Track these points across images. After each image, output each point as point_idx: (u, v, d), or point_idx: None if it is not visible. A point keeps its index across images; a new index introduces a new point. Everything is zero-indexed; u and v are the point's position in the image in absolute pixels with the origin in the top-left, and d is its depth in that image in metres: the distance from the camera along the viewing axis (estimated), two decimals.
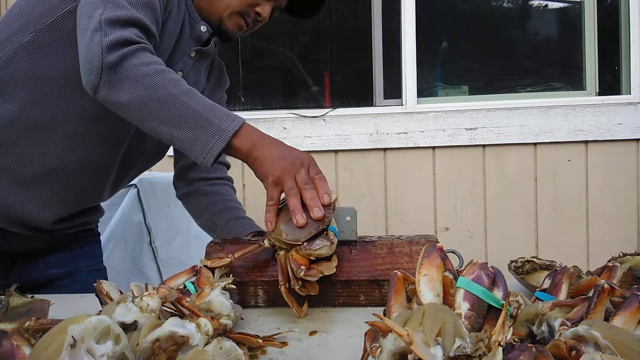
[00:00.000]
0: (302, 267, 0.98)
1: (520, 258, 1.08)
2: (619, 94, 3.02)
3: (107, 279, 1.49)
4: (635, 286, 0.89)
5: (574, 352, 0.65)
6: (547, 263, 1.05)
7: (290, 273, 0.99)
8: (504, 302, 0.73)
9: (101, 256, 1.52)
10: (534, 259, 1.07)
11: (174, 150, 1.46)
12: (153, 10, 1.17)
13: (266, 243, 1.05)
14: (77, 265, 1.39)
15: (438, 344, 0.64)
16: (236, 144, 1.07)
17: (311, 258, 1.00)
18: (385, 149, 2.92)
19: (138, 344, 0.71)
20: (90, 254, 1.46)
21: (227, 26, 1.32)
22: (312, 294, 1.00)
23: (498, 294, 0.75)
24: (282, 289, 0.99)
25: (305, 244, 1.00)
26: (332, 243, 1.02)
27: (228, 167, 1.54)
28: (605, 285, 0.75)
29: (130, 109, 1.08)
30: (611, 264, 0.92)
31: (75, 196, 1.30)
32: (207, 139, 1.06)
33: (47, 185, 1.25)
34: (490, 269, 0.78)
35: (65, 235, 1.36)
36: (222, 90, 1.53)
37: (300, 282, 0.98)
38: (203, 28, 1.31)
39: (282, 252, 1.03)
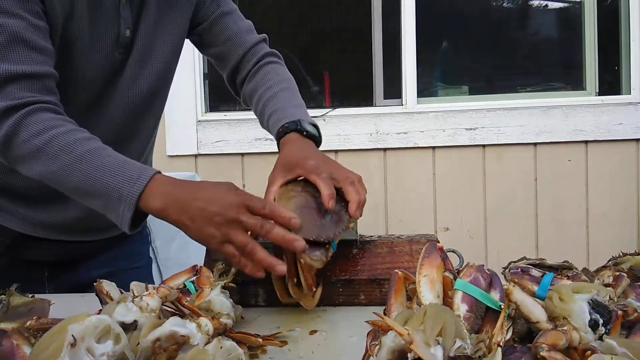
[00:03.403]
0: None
1: (524, 259, 1.07)
2: (619, 94, 3.02)
3: (150, 275, 1.49)
4: (638, 284, 0.90)
5: (588, 352, 0.66)
6: (556, 265, 1.04)
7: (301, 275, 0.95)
8: (501, 303, 0.73)
9: (143, 253, 1.48)
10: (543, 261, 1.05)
11: (215, 63, 1.39)
12: (20, 41, 1.00)
13: None
14: (117, 265, 1.36)
15: (438, 343, 0.64)
16: (145, 208, 0.95)
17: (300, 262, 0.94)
18: (385, 149, 2.93)
19: (138, 343, 0.71)
20: (131, 253, 1.42)
21: None
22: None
23: (495, 295, 0.75)
24: (290, 283, 0.97)
25: (307, 249, 0.92)
26: (325, 260, 0.96)
27: (265, 40, 1.38)
28: (619, 312, 0.76)
29: (42, 182, 1.01)
30: (617, 274, 0.92)
31: None
32: (116, 206, 0.95)
33: (58, 196, 1.24)
34: (487, 271, 0.78)
35: (109, 238, 1.34)
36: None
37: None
38: None
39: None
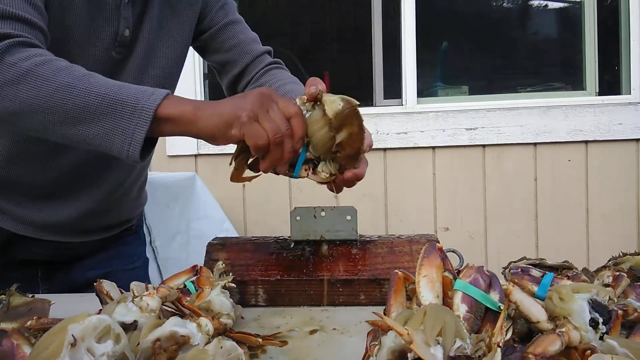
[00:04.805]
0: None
1: (524, 259, 1.07)
2: (619, 94, 3.02)
3: (146, 275, 1.49)
4: (638, 284, 0.90)
5: (588, 351, 0.66)
6: (556, 265, 1.04)
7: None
8: (500, 304, 0.74)
9: (139, 255, 1.48)
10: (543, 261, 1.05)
11: (218, 69, 1.39)
12: None
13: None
14: (112, 266, 1.36)
15: (438, 343, 0.64)
16: (169, 113, 0.86)
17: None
18: (385, 149, 2.93)
19: (138, 343, 0.71)
20: (126, 254, 1.42)
21: None
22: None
23: (494, 296, 0.75)
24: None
25: None
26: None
27: (269, 53, 1.39)
28: (620, 312, 0.76)
29: (26, 117, 0.88)
30: (617, 273, 0.92)
31: (92, 192, 1.27)
32: (126, 124, 0.85)
33: (58, 194, 1.23)
34: (486, 272, 0.78)
35: (103, 240, 1.35)
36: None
37: None
38: None
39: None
